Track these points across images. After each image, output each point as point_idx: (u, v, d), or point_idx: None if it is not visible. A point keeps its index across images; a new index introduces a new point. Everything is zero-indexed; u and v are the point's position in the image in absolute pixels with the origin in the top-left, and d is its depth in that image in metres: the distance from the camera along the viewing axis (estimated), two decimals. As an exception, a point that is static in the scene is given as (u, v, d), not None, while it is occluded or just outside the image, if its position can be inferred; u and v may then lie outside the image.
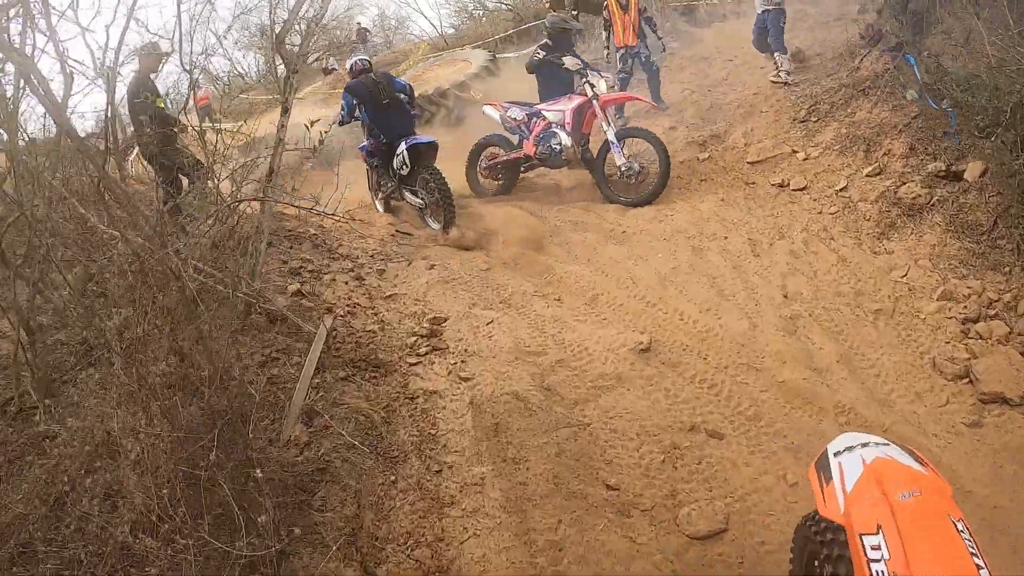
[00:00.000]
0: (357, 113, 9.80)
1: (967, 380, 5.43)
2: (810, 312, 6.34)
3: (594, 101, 9.30)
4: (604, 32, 12.16)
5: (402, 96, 9.65)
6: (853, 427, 4.84)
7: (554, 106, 9.69)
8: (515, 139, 10.14)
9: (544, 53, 10.20)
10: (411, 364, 6.21)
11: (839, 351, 5.83)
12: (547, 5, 15.91)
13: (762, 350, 5.89)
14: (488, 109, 10.52)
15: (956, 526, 1.68)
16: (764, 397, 5.41)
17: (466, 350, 6.27)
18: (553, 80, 10.23)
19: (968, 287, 6.28)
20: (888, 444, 1.93)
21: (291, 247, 8.61)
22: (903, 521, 1.69)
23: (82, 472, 4.51)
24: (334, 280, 7.84)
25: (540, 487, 4.60)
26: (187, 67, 6.59)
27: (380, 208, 10.33)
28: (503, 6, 19.96)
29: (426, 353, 6.37)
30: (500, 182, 10.34)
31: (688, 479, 4.74)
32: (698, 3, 16.05)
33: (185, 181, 9.12)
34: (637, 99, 10.34)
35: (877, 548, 1.69)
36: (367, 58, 10.33)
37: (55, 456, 4.76)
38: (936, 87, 7.85)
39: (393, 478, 4.87)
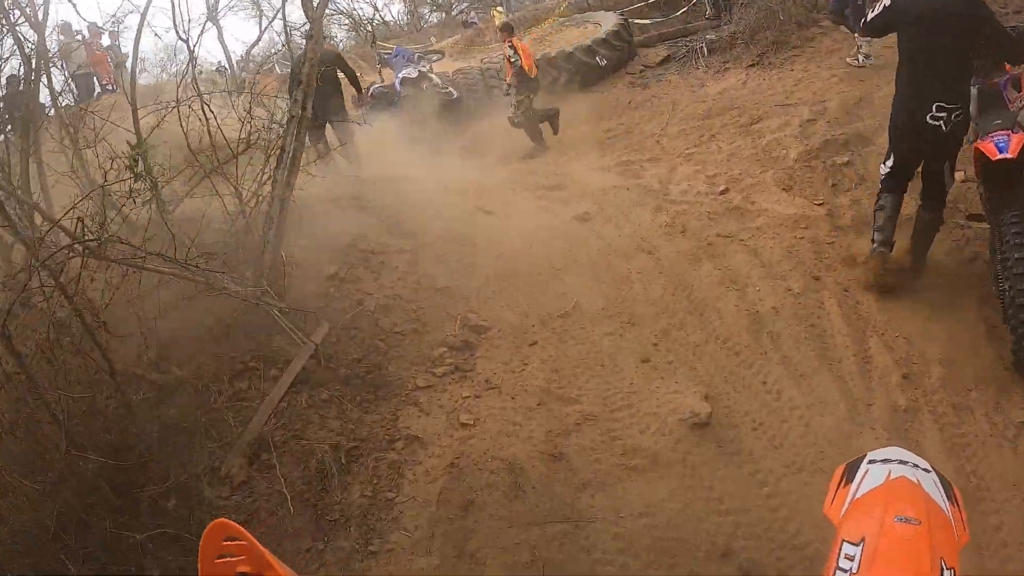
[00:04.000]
0: None
1: None
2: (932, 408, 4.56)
3: None
4: None
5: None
6: None
7: None
8: None
9: None
10: (419, 387, 5.08)
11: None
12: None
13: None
14: None
15: (942, 570, 1.49)
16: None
17: (488, 380, 5.06)
18: None
19: None
20: (929, 471, 1.68)
21: (356, 216, 7.59)
22: (886, 543, 1.54)
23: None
24: (383, 264, 6.75)
25: (483, 609, 3.35)
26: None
27: None
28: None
29: (443, 375, 5.19)
30: None
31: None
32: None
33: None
34: None
35: (851, 559, 1.54)
36: None
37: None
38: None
39: (321, 547, 3.78)
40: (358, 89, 10.16)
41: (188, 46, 5.73)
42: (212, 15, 6.24)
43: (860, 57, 9.82)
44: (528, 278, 6.50)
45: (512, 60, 10.96)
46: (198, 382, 4.94)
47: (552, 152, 11.03)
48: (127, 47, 16.10)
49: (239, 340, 5.32)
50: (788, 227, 6.56)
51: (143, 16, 5.72)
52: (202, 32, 5.77)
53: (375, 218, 7.64)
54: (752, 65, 11.11)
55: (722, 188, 7.60)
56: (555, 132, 11.44)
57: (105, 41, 15.32)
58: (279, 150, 5.44)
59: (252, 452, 4.38)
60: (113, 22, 12.85)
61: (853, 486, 1.71)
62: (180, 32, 5.62)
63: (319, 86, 9.35)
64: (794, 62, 10.85)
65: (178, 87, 5.67)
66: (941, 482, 1.69)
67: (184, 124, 5.93)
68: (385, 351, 5.56)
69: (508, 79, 11.29)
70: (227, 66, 15.14)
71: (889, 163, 5.43)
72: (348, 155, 9.44)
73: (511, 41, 11.15)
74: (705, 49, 11.94)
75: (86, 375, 4.24)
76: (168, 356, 5.32)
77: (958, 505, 1.67)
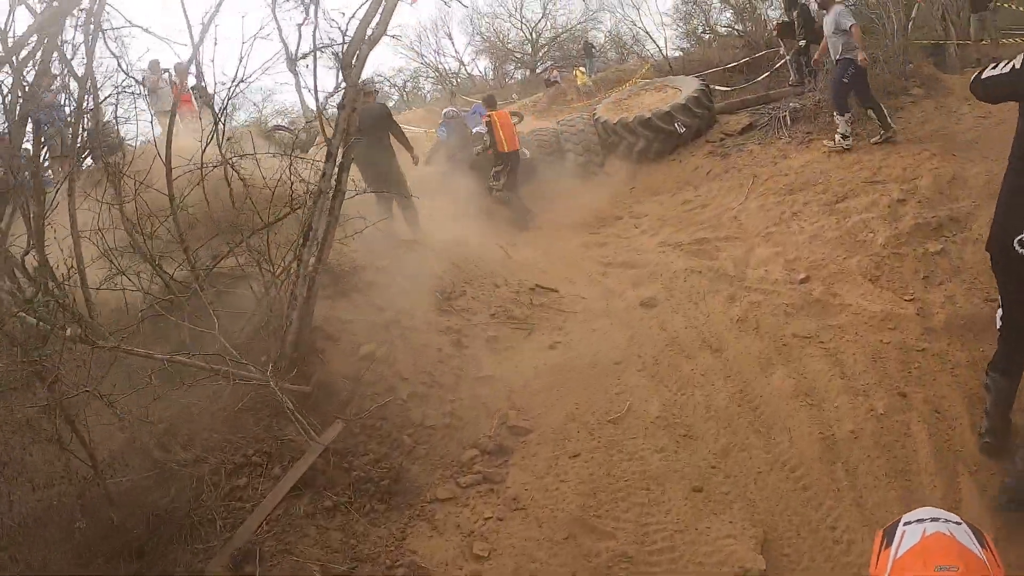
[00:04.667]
0: None
1: None
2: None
3: None
4: None
5: None
6: None
7: None
8: None
9: None
10: (438, 499, 4.56)
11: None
12: (775, 33, 13.84)
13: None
14: None
15: None
16: None
17: (516, 498, 4.48)
18: None
19: None
20: (959, 524, 1.83)
21: (405, 285, 7.17)
22: None
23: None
24: (426, 344, 6.30)
25: None
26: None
27: None
28: (734, 32, 17.80)
29: (469, 485, 4.66)
30: None
31: None
32: (948, 42, 13.09)
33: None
34: None
35: None
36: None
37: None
38: None
39: None
40: (409, 149, 9.58)
41: (213, 112, 5.42)
42: (290, 65, 5.96)
43: (837, 138, 9.79)
44: (582, 372, 5.95)
45: (484, 139, 11.25)
46: (196, 471, 4.54)
47: (625, 224, 10.51)
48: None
49: (248, 426, 4.91)
50: (873, 327, 5.84)
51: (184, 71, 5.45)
52: (230, 98, 5.39)
53: (426, 289, 7.23)
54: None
55: (802, 276, 6.91)
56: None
57: (191, 81, 15.47)
58: (307, 226, 5.02)
59: (236, 562, 3.95)
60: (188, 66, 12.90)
61: (893, 548, 1.81)
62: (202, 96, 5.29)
63: (369, 149, 9.04)
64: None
65: (202, 153, 5.37)
66: (972, 531, 1.81)
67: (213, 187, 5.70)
68: (410, 448, 5.08)
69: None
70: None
71: (1000, 312, 4.22)
72: (408, 221, 9.06)
73: (487, 117, 11.32)
74: (788, 118, 11.29)
75: (62, 468, 3.90)
76: (176, 432, 4.97)
77: (990, 549, 1.79)
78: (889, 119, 9.75)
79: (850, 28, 9.49)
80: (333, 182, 5.05)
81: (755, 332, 6.07)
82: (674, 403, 5.39)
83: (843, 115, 9.75)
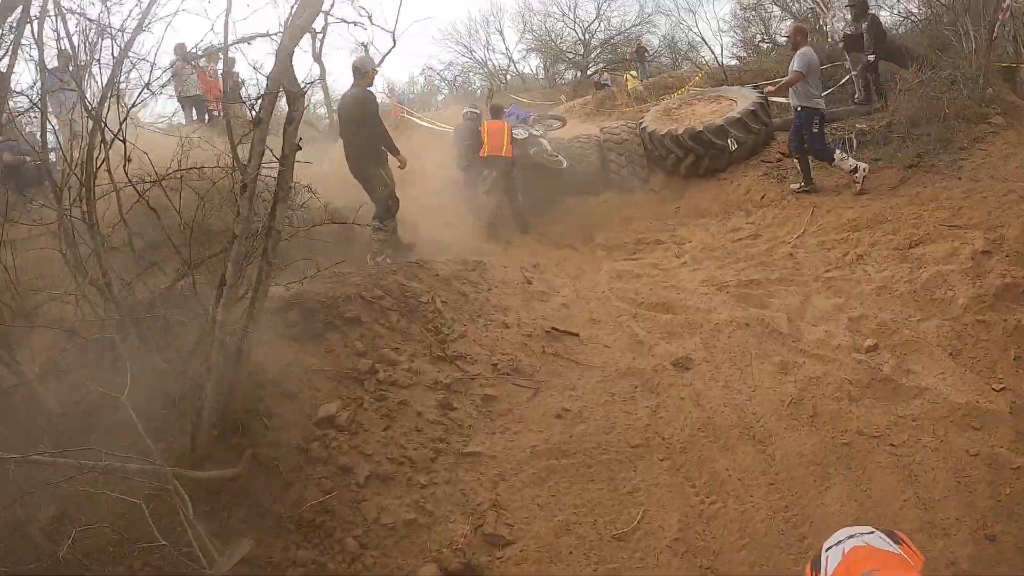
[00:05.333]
0: None
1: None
2: None
3: None
4: None
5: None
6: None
7: None
8: None
9: None
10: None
11: None
12: (841, 46, 12.60)
13: None
14: None
15: None
16: None
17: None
18: None
19: None
20: (872, 532, 1.96)
21: (396, 323, 6.11)
22: None
23: None
24: (404, 405, 5.21)
25: None
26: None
27: None
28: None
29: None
30: None
31: None
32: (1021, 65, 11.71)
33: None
34: None
35: None
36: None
37: None
38: None
39: None
40: (392, 151, 8.42)
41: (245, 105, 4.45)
42: (316, 56, 5.02)
43: (859, 176, 9.06)
44: (589, 458, 4.77)
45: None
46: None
47: (666, 251, 9.32)
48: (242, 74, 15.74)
49: (147, 526, 3.84)
50: (956, 425, 4.60)
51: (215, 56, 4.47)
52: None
53: (419, 328, 6.16)
54: (911, 166, 9.08)
55: (870, 343, 5.68)
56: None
57: (221, 67, 14.68)
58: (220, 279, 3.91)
59: None
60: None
61: (822, 573, 1.90)
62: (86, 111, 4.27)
63: (348, 146, 7.98)
64: (961, 167, 8.80)
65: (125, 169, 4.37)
66: (886, 534, 1.93)
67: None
68: (354, 558, 3.98)
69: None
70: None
71: None
72: (373, 247, 8.00)
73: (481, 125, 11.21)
74: (854, 141, 10.02)
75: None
76: (72, 519, 3.97)
77: (907, 544, 1.92)
78: (811, 174, 9.57)
79: (793, 70, 9.20)
80: (268, 222, 3.94)
81: (811, 422, 4.83)
82: (700, 516, 4.23)
83: (834, 158, 9.24)
